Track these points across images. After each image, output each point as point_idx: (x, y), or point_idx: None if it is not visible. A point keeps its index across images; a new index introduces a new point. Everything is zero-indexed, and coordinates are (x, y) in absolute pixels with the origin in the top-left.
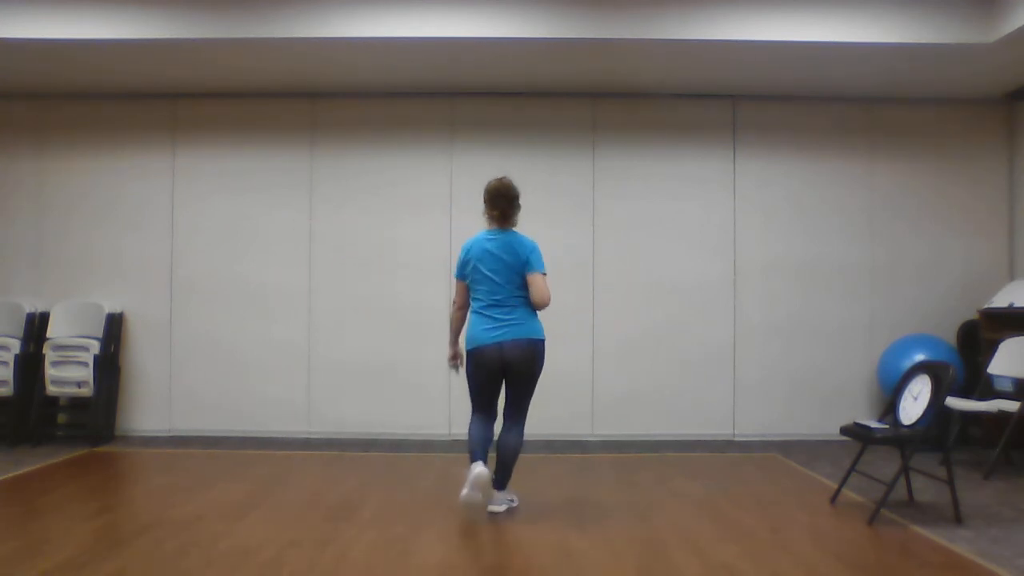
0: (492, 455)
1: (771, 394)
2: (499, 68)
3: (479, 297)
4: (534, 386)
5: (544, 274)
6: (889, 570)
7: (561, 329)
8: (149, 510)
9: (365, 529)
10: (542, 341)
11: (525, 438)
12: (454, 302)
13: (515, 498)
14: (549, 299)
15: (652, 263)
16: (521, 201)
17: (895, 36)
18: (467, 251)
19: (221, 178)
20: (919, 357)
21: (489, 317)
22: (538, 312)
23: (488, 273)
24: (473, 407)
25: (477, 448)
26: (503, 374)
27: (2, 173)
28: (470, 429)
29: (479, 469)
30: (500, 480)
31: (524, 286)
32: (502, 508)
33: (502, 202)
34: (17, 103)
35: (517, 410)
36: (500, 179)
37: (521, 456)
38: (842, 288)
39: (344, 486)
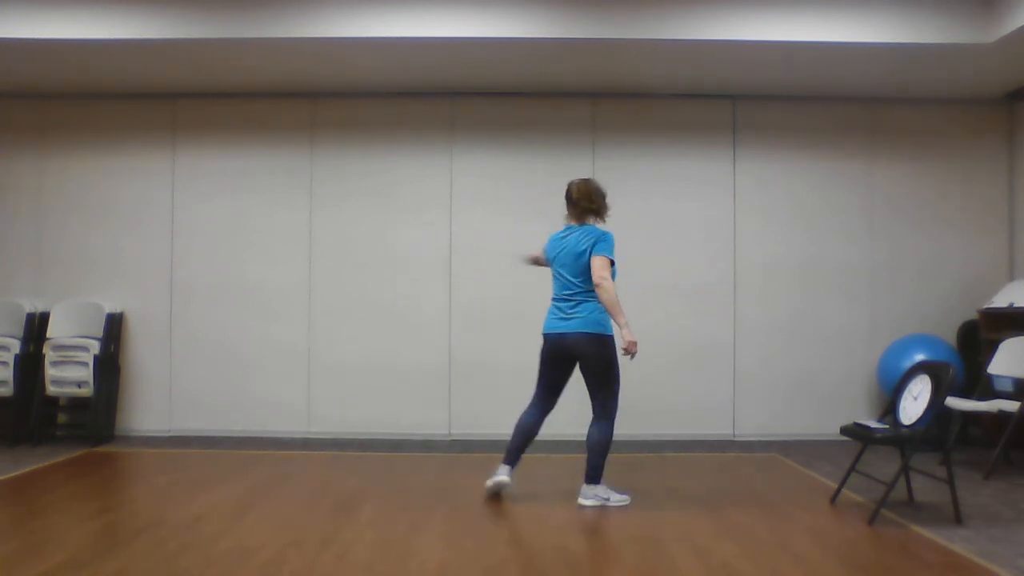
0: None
1: (771, 394)
2: (499, 68)
3: (554, 289)
4: (603, 380)
5: (603, 257)
6: (889, 570)
7: None
8: (149, 510)
9: (365, 529)
10: (598, 335)
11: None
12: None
13: (611, 497)
14: (600, 279)
15: (652, 263)
16: (606, 202)
17: (895, 36)
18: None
19: (221, 178)
20: (919, 357)
21: (557, 308)
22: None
23: (559, 268)
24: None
25: (510, 444)
26: (570, 365)
27: (2, 173)
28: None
29: (498, 479)
30: (586, 473)
31: (589, 279)
32: (589, 502)
33: (568, 201)
34: (17, 103)
35: (593, 403)
36: (578, 180)
37: (521, 456)
38: (842, 288)
39: (344, 486)
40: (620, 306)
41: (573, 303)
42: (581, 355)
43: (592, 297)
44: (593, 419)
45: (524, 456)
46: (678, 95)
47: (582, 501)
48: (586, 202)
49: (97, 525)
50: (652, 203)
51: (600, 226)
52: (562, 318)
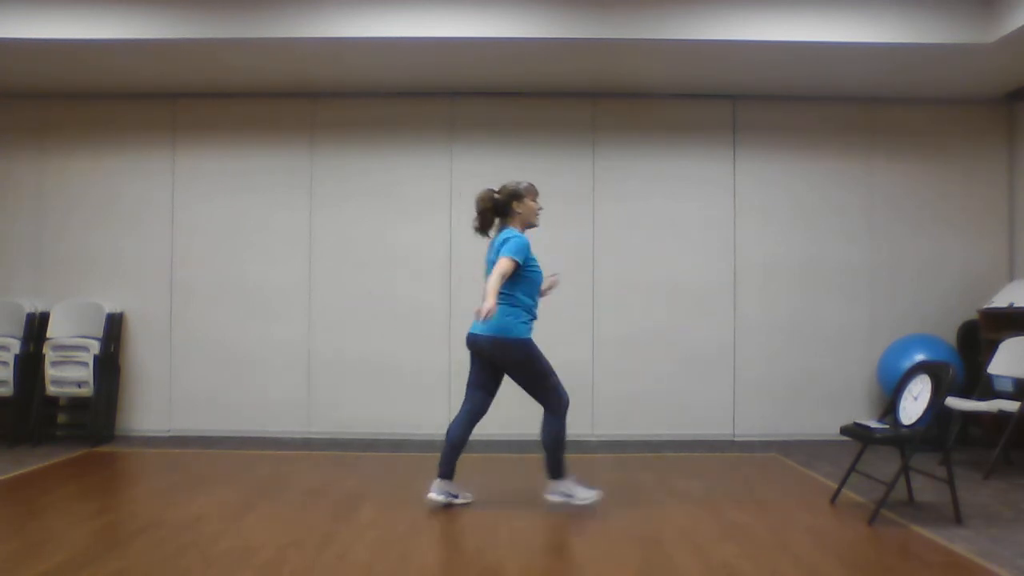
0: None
1: (771, 394)
2: (499, 68)
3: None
4: (527, 377)
5: (507, 258)
6: (889, 570)
7: (561, 329)
8: (149, 510)
9: (365, 529)
10: (504, 339)
11: (524, 438)
12: None
13: (576, 494)
14: (496, 275)
15: (652, 263)
16: (511, 207)
17: (895, 36)
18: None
19: (221, 178)
20: (919, 357)
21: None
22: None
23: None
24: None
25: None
26: (488, 366)
27: (2, 173)
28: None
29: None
30: (547, 469)
31: (506, 284)
32: (554, 498)
33: (475, 210)
34: (17, 103)
35: (536, 401)
36: (484, 189)
37: (521, 456)
38: (842, 288)
39: (344, 486)
40: (494, 287)
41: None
42: (490, 357)
43: (503, 301)
44: (543, 416)
45: (524, 456)
46: (678, 95)
47: (547, 496)
48: (477, 205)
49: (97, 525)
50: (652, 203)
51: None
52: (477, 321)
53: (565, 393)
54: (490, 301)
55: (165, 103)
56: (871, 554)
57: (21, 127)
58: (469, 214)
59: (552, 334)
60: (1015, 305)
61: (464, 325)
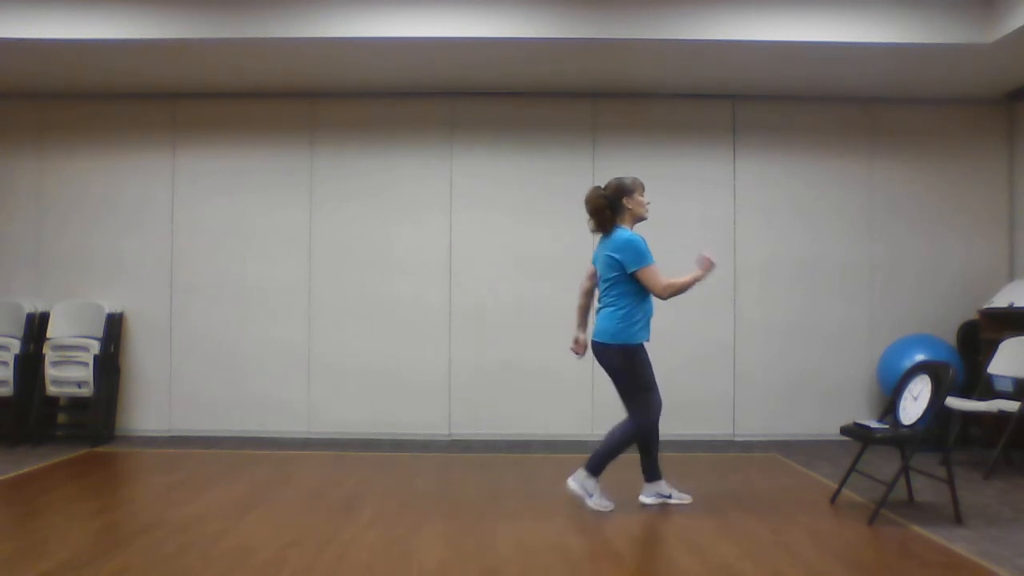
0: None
1: (771, 394)
2: (499, 68)
3: None
4: (624, 385)
5: (648, 266)
6: (889, 570)
7: (560, 329)
8: (149, 510)
9: (365, 529)
10: (607, 344)
11: (525, 438)
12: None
13: (593, 497)
14: (659, 288)
15: None
16: (622, 203)
17: (895, 36)
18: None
19: (221, 178)
20: (919, 357)
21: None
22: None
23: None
24: None
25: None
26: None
27: (2, 173)
28: None
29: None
30: (589, 457)
31: (614, 286)
32: (573, 485)
33: (587, 212)
34: (17, 103)
35: (624, 406)
36: (592, 189)
37: (520, 456)
38: (842, 288)
39: (344, 486)
40: (681, 281)
41: (598, 308)
42: (599, 361)
43: (611, 304)
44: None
45: (527, 456)
46: (678, 95)
47: (569, 481)
48: (589, 206)
49: (97, 525)
50: (652, 203)
51: (628, 228)
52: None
53: (655, 411)
54: (698, 274)
55: (165, 103)
56: (871, 554)
57: (21, 127)
58: (468, 214)
59: (552, 335)
60: (1015, 305)
61: (463, 325)
